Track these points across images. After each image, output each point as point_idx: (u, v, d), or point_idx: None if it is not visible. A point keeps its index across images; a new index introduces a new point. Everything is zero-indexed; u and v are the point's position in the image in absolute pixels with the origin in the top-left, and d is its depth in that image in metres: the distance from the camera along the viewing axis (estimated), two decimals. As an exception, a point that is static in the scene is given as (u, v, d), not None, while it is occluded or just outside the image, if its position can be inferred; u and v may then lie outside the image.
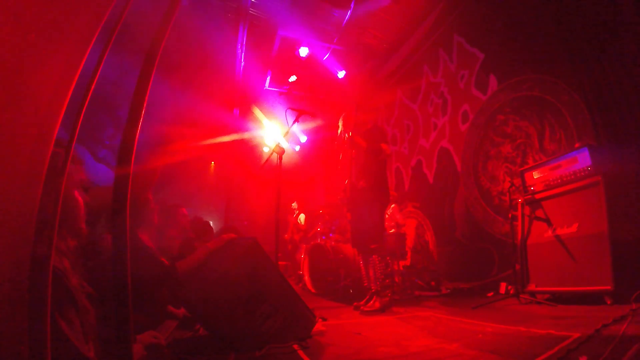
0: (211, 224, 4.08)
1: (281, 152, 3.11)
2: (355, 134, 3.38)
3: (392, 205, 4.88)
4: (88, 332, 1.01)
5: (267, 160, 3.42)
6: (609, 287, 2.29)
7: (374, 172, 3.34)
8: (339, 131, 3.55)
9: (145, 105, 0.82)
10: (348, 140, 3.36)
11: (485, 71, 4.73)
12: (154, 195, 2.27)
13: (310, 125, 8.80)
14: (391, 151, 3.91)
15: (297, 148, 9.92)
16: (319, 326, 2.25)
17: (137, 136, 0.80)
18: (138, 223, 2.10)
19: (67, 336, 0.92)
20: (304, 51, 6.65)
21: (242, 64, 7.15)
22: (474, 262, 4.55)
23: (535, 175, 3.12)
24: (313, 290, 4.82)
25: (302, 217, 7.46)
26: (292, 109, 3.19)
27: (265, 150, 9.23)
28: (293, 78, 7.65)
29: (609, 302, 2.29)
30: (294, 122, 3.21)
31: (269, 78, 7.80)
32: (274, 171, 3.12)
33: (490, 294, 3.64)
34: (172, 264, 2.08)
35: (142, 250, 2.01)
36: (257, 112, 8.62)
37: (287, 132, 3.36)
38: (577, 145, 2.88)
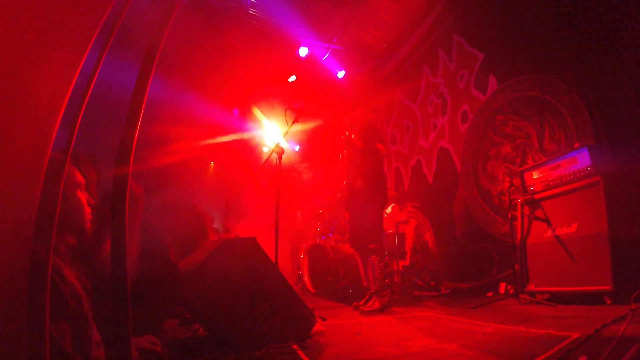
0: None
1: (281, 152, 3.11)
2: (351, 134, 3.38)
3: (392, 205, 4.88)
4: (80, 333, 1.00)
5: (266, 160, 3.42)
6: (608, 287, 2.29)
7: (371, 172, 3.34)
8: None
9: (144, 105, 0.82)
10: (344, 140, 3.37)
11: (484, 71, 4.73)
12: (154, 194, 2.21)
13: (309, 125, 8.78)
14: (387, 151, 3.91)
15: (297, 148, 9.89)
16: (318, 326, 2.25)
17: (136, 136, 0.80)
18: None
19: (54, 338, 0.91)
20: (303, 51, 6.64)
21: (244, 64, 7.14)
22: (473, 262, 4.55)
23: (535, 175, 3.12)
24: (312, 290, 4.82)
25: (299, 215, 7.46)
26: (292, 109, 3.19)
27: (265, 150, 9.20)
28: (293, 78, 7.64)
29: (608, 302, 2.30)
30: (293, 122, 3.21)
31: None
32: (274, 171, 3.12)
33: (489, 294, 3.64)
34: (175, 262, 2.07)
35: (157, 241, 1.94)
36: (257, 112, 8.60)
37: (286, 132, 3.36)
38: (576, 145, 2.88)
